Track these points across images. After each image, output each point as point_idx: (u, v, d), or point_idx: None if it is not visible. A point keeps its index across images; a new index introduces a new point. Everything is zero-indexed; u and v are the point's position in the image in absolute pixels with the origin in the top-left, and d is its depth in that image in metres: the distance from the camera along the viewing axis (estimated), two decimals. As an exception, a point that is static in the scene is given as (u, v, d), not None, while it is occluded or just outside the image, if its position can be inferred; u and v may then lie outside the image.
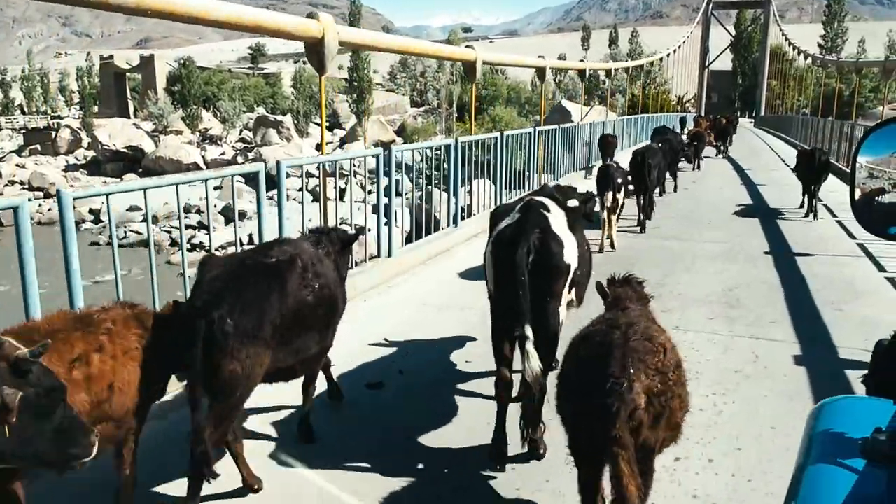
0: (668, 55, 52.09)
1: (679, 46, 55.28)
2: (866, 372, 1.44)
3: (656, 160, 10.65)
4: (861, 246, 8.96)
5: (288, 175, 5.84)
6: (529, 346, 3.29)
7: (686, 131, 25.75)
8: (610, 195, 8.72)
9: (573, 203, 4.40)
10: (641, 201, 10.37)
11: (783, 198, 13.26)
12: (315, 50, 6.28)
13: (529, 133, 12.95)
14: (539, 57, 15.77)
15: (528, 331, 3.30)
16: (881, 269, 7.87)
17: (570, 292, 3.72)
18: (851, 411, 1.39)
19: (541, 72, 15.01)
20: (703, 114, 50.42)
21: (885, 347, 1.41)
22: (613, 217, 8.90)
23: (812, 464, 1.24)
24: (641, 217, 10.31)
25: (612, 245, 8.93)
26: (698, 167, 19.01)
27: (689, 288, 7.06)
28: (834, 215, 11.51)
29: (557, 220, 3.63)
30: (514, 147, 11.44)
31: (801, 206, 11.87)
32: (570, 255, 3.54)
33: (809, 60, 40.86)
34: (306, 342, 3.42)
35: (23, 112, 70.85)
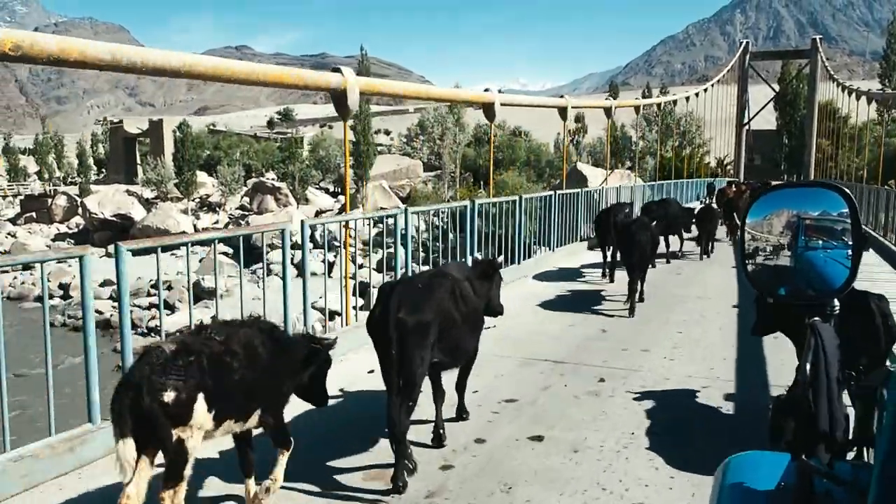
0: (694, 95, 48.10)
1: (708, 87, 50.88)
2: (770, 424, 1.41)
3: (445, 292, 4.13)
4: None
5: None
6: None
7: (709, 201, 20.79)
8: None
9: None
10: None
11: None
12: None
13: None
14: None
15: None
16: None
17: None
18: (757, 466, 1.40)
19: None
20: (741, 178, 44.95)
21: (781, 402, 1.38)
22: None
23: None
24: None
25: None
26: (707, 253, 14.06)
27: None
28: None
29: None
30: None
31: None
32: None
33: (865, 104, 35.68)
34: None
35: (40, 179, 70.27)
